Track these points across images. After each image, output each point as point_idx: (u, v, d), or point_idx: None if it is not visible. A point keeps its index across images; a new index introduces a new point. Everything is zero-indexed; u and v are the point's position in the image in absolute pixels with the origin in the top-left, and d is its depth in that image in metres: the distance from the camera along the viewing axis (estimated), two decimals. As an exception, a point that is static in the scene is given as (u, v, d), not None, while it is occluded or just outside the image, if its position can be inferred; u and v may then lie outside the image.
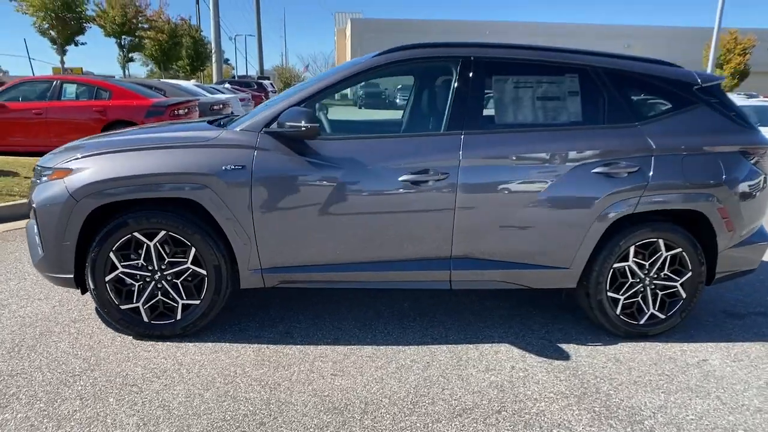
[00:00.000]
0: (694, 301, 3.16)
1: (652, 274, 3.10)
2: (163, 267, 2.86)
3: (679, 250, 3.06)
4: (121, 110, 8.70)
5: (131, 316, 2.90)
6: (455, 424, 2.30)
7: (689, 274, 3.10)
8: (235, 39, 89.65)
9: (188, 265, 2.85)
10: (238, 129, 2.87)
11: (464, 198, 2.86)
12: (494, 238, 2.94)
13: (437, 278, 2.99)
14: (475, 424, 2.30)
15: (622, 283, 3.10)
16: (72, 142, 3.17)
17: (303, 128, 2.66)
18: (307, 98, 2.90)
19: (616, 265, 3.05)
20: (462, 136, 2.88)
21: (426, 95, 3.79)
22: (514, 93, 3.00)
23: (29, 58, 49.68)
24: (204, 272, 2.86)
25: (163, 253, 2.84)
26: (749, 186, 3.08)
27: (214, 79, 26.73)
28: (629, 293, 3.10)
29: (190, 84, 14.85)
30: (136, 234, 2.79)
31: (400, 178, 2.81)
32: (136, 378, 2.55)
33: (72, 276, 2.83)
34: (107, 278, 2.83)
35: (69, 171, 2.78)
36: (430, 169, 2.83)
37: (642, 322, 3.14)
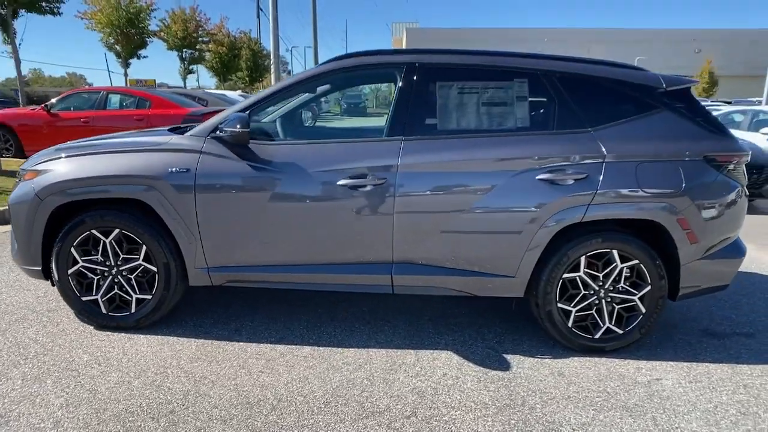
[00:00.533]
0: (654, 316, 2.99)
1: (607, 287, 2.96)
2: (118, 263, 3.06)
3: (636, 262, 2.91)
4: (159, 119, 9.25)
5: (91, 308, 3.12)
6: (357, 426, 2.31)
7: (648, 287, 2.94)
8: (291, 50, 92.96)
9: (140, 261, 3.04)
10: (188, 134, 3.03)
11: (402, 203, 2.86)
12: (435, 244, 2.92)
13: (379, 282, 3.01)
14: (377, 427, 2.30)
15: (573, 294, 2.98)
16: (52, 147, 3.45)
17: (235, 132, 2.78)
18: (251, 105, 3.02)
19: (566, 276, 2.94)
20: (402, 142, 2.90)
21: (381, 102, 3.82)
22: (459, 99, 2.98)
23: (108, 72, 53.70)
24: (154, 269, 3.03)
25: (118, 249, 3.04)
26: (716, 195, 2.89)
27: (273, 89, 27.88)
28: (582, 305, 2.98)
29: (235, 94, 15.56)
30: (93, 231, 3.00)
31: (339, 183, 2.86)
32: (79, 364, 2.75)
33: (40, 268, 3.09)
34: (69, 271, 3.06)
35: (37, 172, 3.05)
36: (368, 174, 2.86)
37: (597, 336, 3.00)
